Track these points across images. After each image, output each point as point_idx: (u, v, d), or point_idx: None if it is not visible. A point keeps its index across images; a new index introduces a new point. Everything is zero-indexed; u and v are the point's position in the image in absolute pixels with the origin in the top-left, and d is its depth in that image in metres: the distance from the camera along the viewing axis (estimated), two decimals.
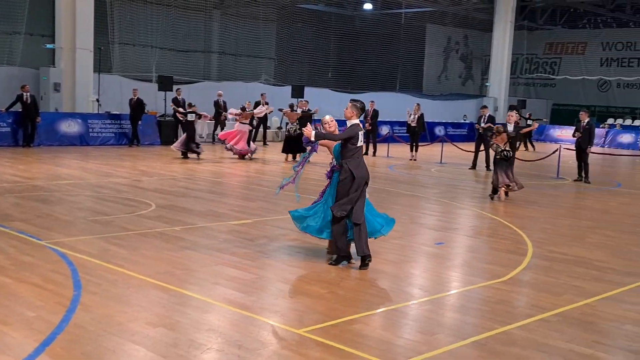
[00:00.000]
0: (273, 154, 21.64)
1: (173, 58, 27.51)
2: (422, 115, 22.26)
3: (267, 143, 24.88)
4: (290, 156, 19.54)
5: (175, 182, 14.08)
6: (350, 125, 7.63)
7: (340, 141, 7.64)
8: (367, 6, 35.85)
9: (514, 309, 6.38)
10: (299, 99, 22.13)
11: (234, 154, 19.23)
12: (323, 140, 7.79)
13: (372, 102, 23.12)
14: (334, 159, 7.90)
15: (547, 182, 17.32)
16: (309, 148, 8.10)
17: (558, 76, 40.46)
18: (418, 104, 22.70)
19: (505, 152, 13.02)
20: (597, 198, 14.86)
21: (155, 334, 5.29)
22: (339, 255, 7.67)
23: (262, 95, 24.82)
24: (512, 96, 37.62)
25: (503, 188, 13.25)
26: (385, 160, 21.25)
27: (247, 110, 19.73)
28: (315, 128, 7.77)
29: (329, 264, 7.69)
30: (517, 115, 14.01)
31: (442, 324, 5.92)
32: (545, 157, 19.92)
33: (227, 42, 30.38)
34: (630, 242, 9.80)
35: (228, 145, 19.27)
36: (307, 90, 26.28)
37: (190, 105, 19.35)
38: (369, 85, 33.05)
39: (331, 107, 29.21)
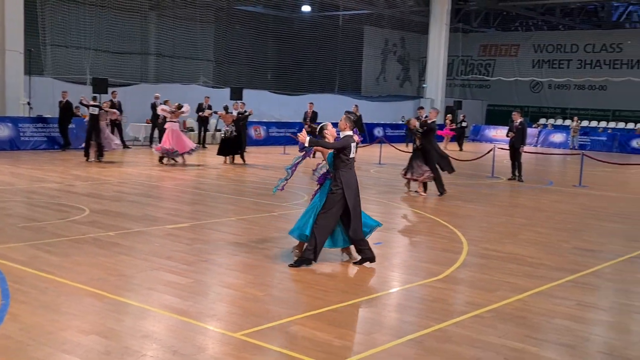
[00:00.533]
0: (211, 156, 21.43)
1: (108, 60, 26.93)
2: (360, 116, 22.45)
3: (206, 146, 24.64)
4: (228, 158, 19.40)
5: (111, 187, 13.79)
6: (344, 136, 7.78)
7: (333, 150, 7.75)
8: (305, 8, 35.96)
9: (449, 307, 6.49)
10: (235, 101, 21.99)
11: (166, 154, 18.24)
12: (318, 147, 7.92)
13: (311, 103, 23.18)
14: (325, 163, 8.02)
15: (482, 181, 17.69)
16: (302, 152, 8.22)
17: (492, 77, 41.44)
18: (356, 105, 22.94)
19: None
20: (530, 196, 15.26)
21: (88, 342, 5.15)
22: (303, 257, 7.68)
23: (205, 98, 24.59)
24: (448, 97, 38.32)
25: (417, 180, 14.24)
26: None
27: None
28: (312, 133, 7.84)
29: (289, 265, 7.69)
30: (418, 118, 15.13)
31: (380, 323, 5.97)
32: (480, 157, 20.34)
33: (164, 43, 29.96)
34: (560, 239, 10.09)
35: (157, 151, 18.49)
36: (246, 92, 26.14)
37: (94, 99, 18.79)
38: (308, 87, 33.13)
39: (270, 109, 29.28)
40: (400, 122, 34.88)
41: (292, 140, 26.11)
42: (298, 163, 8.45)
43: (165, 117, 18.43)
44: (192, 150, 18.63)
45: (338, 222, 7.78)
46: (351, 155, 7.76)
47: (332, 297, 6.73)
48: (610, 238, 10.44)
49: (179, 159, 18.36)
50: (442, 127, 28.29)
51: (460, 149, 28.96)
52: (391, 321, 6.03)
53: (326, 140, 7.94)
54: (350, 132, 7.85)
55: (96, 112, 18.28)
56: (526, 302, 6.69)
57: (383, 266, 8.07)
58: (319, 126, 8.22)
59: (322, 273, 7.57)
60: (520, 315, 6.24)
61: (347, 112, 8.06)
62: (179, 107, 18.39)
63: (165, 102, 19.39)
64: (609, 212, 12.99)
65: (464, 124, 30.53)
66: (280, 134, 27.78)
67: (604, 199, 14.91)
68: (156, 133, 23.06)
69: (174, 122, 18.27)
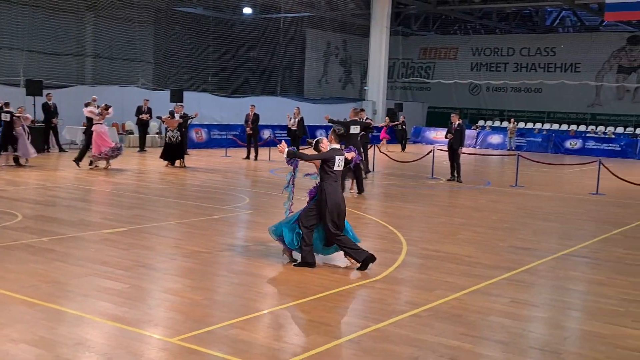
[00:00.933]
0: (151, 159, 21.11)
1: (42, 61, 26.20)
2: (302, 118, 22.50)
3: (146, 149, 24.25)
4: (170, 163, 19.15)
5: (45, 191, 13.42)
6: (330, 149, 7.98)
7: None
8: (247, 10, 35.83)
9: (388, 307, 6.54)
10: (176, 104, 21.72)
11: (98, 158, 17.53)
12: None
13: (253, 106, 23.07)
14: (316, 174, 8.11)
15: (422, 182, 17.94)
16: (291, 165, 8.30)
17: (432, 80, 42.13)
18: (298, 108, 22.95)
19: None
20: (469, 196, 15.54)
21: (17, 351, 4.99)
22: (304, 262, 7.88)
23: (145, 100, 24.18)
24: (390, 99, 38.76)
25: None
26: (267, 164, 21.26)
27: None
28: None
29: (294, 265, 7.89)
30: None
31: (318, 324, 5.97)
32: (420, 158, 20.63)
33: (102, 45, 29.36)
34: (497, 238, 10.31)
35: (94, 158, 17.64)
36: (186, 94, 25.85)
37: (6, 104, 17.62)
38: (250, 89, 32.99)
39: (211, 111, 29.00)
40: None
41: (234, 143, 25.99)
42: (293, 178, 8.44)
43: (92, 120, 17.67)
44: (112, 153, 17.68)
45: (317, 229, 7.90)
46: (335, 168, 7.90)
47: (272, 300, 6.71)
48: (545, 236, 10.71)
49: (101, 163, 17.65)
50: (380, 129, 28.63)
51: (403, 150, 29.34)
52: (330, 322, 6.04)
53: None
54: (337, 146, 8.11)
55: (8, 119, 17.27)
56: (463, 300, 6.80)
57: (323, 268, 8.08)
58: (314, 140, 8.30)
59: (262, 276, 7.54)
60: (457, 314, 6.34)
61: (334, 127, 8.36)
62: (107, 107, 17.82)
63: (88, 104, 18.37)
64: (543, 211, 13.33)
65: (404, 126, 30.95)
66: (222, 137, 27.58)
67: (539, 199, 15.30)
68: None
69: (101, 124, 17.59)
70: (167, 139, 19.23)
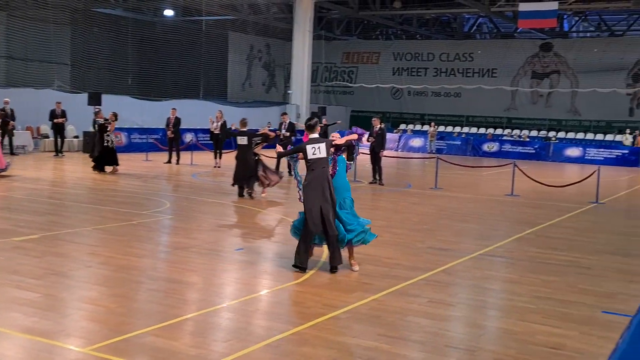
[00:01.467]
0: (68, 164, 20.48)
1: None
2: (225, 122, 22.29)
3: (63, 153, 23.47)
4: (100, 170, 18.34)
5: None
6: (308, 139, 8.32)
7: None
8: (168, 12, 35.29)
9: (307, 309, 6.55)
10: (95, 107, 21.13)
11: None
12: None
13: (174, 109, 22.72)
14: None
15: None
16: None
17: (355, 84, 42.58)
18: (220, 111, 22.74)
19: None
20: (390, 198, 15.79)
21: None
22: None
23: (57, 103, 23.42)
24: (313, 103, 38.91)
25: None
26: (189, 168, 20.98)
27: None
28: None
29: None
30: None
31: (237, 329, 5.92)
32: None
33: (15, 46, 28.28)
34: (416, 239, 10.51)
35: None
36: (105, 97, 25.17)
37: None
38: (172, 92, 32.48)
39: (132, 114, 28.36)
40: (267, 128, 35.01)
41: (155, 147, 25.51)
42: (295, 170, 8.74)
43: None
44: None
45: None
46: (310, 157, 8.09)
47: (190, 306, 6.61)
48: (462, 237, 10.99)
49: None
50: (302, 132, 28.65)
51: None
52: (248, 327, 6.00)
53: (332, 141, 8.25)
54: (315, 135, 8.37)
55: None
56: (382, 301, 6.89)
57: (243, 272, 8.03)
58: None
59: (181, 282, 7.41)
60: (376, 315, 6.42)
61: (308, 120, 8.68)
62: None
63: None
64: (461, 213, 13.67)
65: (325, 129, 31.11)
66: (143, 140, 27.01)
67: (458, 200, 15.68)
68: (6, 140, 21.77)
69: None
70: (109, 144, 18.41)
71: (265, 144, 15.00)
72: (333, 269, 7.97)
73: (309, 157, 8.11)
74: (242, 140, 14.66)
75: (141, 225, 10.78)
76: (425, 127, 38.19)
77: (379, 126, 18.10)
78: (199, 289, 7.27)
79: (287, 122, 19.64)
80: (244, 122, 15.23)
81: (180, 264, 8.21)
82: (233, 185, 14.79)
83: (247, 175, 14.48)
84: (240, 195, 14.55)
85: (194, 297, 6.96)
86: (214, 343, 5.57)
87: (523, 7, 30.58)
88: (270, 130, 16.60)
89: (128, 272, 7.72)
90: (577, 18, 38.78)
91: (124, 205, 12.71)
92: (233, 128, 19.46)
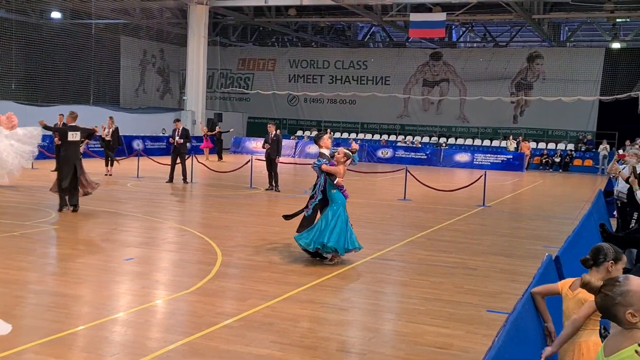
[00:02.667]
0: None
1: None
2: (117, 129, 21.67)
3: None
4: None
5: None
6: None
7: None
8: (55, 15, 33.94)
9: (198, 319, 6.43)
10: None
11: None
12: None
13: (61, 115, 21.82)
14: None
15: (241, 192, 17.98)
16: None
17: (251, 91, 42.48)
18: (111, 118, 22.09)
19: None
20: (285, 204, 15.79)
21: None
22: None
23: None
24: (209, 109, 38.54)
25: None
26: None
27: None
28: None
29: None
30: None
31: (124, 343, 5.73)
32: (239, 168, 20.69)
33: None
34: None
35: None
36: None
37: None
38: (60, 97, 31.21)
39: (17, 120, 26.98)
40: (162, 135, 34.33)
41: (41, 155, 24.38)
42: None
43: None
44: None
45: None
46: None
47: (76, 320, 6.34)
48: None
49: None
50: (202, 139, 28.40)
51: (220, 159, 29.19)
52: (138, 339, 5.83)
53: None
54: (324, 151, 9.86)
55: None
56: (275, 308, 6.87)
57: (134, 283, 7.81)
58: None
59: (66, 295, 7.11)
60: (269, 322, 6.39)
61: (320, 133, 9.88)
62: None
63: None
64: (356, 217, 13.79)
65: (220, 136, 30.93)
66: None
67: (352, 205, 15.80)
68: None
69: None
70: None
71: (88, 141, 13.85)
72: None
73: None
74: (74, 137, 12.94)
75: (24, 237, 10.26)
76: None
77: (274, 132, 18.13)
78: (86, 302, 6.99)
79: (181, 128, 19.32)
80: (73, 116, 13.37)
81: (65, 276, 7.88)
82: (57, 191, 13.05)
83: (74, 181, 12.79)
84: (63, 207, 12.82)
85: (80, 311, 6.68)
86: (101, 358, 5.36)
87: (414, 17, 31.58)
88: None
89: (7, 287, 7.31)
90: (464, 29, 40.42)
91: (5, 216, 12.06)
92: (60, 124, 17.33)
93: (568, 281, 3.92)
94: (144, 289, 7.56)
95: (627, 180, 9.23)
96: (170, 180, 19.35)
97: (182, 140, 19.05)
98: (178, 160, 19.35)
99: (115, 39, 37.38)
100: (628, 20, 34.96)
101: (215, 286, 7.71)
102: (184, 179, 19.17)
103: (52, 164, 21.64)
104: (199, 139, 30.99)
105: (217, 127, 32.12)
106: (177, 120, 20.37)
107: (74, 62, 33.15)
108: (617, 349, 2.65)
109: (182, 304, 6.94)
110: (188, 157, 19.50)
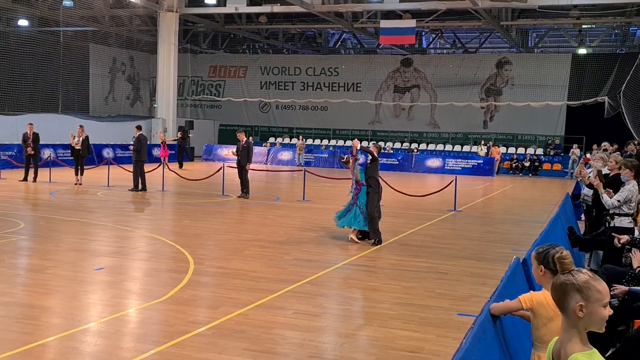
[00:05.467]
0: None
1: None
2: (87, 137, 21.46)
3: None
4: None
5: None
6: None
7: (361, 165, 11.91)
8: (22, 22, 33.55)
9: (170, 328, 6.40)
10: None
11: None
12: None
13: (31, 124, 21.60)
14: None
15: (213, 199, 17.91)
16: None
17: (223, 98, 42.31)
18: (81, 126, 21.86)
19: None
20: (257, 212, 15.80)
21: None
22: (378, 238, 11.47)
23: None
24: (180, 117, 38.31)
25: None
26: (48, 186, 19.96)
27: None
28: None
29: (372, 244, 11.34)
30: None
31: (95, 353, 5.69)
32: (210, 176, 20.63)
33: None
34: (282, 252, 10.57)
35: None
36: None
37: None
38: (28, 106, 30.81)
39: None
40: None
41: (8, 164, 24.11)
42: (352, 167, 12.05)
43: None
44: None
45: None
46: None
47: (44, 331, 6.27)
48: (327, 248, 11.18)
49: None
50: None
51: (180, 167, 28.79)
52: (108, 350, 5.78)
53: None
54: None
55: None
56: (247, 315, 6.87)
57: (104, 292, 7.75)
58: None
59: (34, 306, 7.02)
60: (241, 330, 6.39)
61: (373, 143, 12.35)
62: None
63: None
64: (327, 224, 13.88)
65: (181, 143, 30.73)
66: None
67: (324, 212, 15.93)
68: None
69: None
70: None
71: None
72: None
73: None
74: None
75: None
76: (294, 141, 38.62)
77: (245, 139, 18.13)
78: (56, 313, 6.92)
79: (138, 135, 19.80)
80: None
81: (34, 287, 7.79)
82: None
83: None
84: None
85: (50, 322, 6.61)
86: None
87: (384, 24, 31.79)
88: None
89: None
90: (434, 35, 40.78)
91: None
92: None
93: (530, 295, 3.75)
94: (115, 299, 7.51)
95: (589, 186, 9.40)
96: (143, 188, 19.20)
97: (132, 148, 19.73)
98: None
99: (84, 47, 37.03)
100: (594, 26, 35.60)
101: (187, 294, 7.68)
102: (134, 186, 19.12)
103: (19, 173, 21.39)
104: (174, 147, 30.71)
105: (178, 134, 32.01)
106: (138, 126, 20.84)
107: (42, 70, 32.77)
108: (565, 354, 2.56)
109: (154, 313, 6.91)
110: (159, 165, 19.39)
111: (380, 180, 11.97)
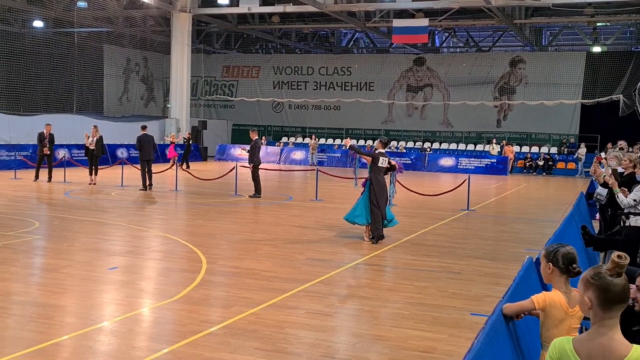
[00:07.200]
0: None
1: None
2: (101, 137, 21.58)
3: None
4: None
5: None
6: (377, 152, 11.76)
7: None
8: (38, 24, 33.80)
9: (183, 327, 6.43)
10: None
11: None
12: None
13: (49, 125, 21.77)
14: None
15: (226, 199, 17.96)
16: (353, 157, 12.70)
17: (236, 98, 42.42)
18: (95, 126, 21.98)
19: None
20: (270, 211, 15.82)
21: None
22: (378, 234, 11.40)
23: None
24: (194, 117, 38.48)
25: None
26: (62, 186, 20.10)
27: None
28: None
29: (373, 243, 11.31)
30: None
31: (109, 352, 5.72)
32: (223, 175, 20.68)
33: None
34: (295, 251, 10.57)
35: None
36: None
37: None
38: (43, 107, 31.04)
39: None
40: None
41: (24, 164, 24.30)
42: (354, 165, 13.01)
43: None
44: None
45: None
46: (379, 165, 11.53)
47: (58, 330, 6.31)
48: (340, 247, 11.17)
49: None
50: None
51: (187, 167, 28.79)
52: (121, 349, 5.81)
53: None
54: (382, 150, 11.80)
55: None
56: (259, 315, 6.88)
57: (118, 292, 7.79)
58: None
59: (49, 305, 7.07)
60: (253, 329, 6.40)
61: (380, 137, 12.13)
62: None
63: None
64: (340, 223, 13.88)
65: (189, 143, 30.76)
66: (11, 158, 25.63)
67: (337, 211, 15.92)
68: None
69: None
70: None
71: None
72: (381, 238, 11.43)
73: (378, 165, 11.53)
74: None
75: (6, 247, 10.19)
76: (307, 140, 38.65)
77: (255, 138, 18.19)
78: (70, 312, 6.96)
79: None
80: None
81: (49, 286, 7.84)
82: None
83: None
84: None
85: (64, 321, 6.65)
86: None
87: (397, 23, 31.74)
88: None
89: None
90: (447, 34, 40.65)
91: None
92: None
93: (543, 296, 3.68)
94: (128, 298, 7.55)
95: (603, 185, 9.31)
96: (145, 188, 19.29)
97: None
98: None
99: (98, 48, 37.25)
100: (608, 24, 35.33)
101: (199, 294, 7.70)
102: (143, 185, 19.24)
103: (34, 174, 21.54)
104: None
105: (187, 133, 32.11)
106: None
107: (57, 71, 33.00)
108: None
109: (167, 312, 6.94)
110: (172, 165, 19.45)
111: (383, 180, 11.70)
